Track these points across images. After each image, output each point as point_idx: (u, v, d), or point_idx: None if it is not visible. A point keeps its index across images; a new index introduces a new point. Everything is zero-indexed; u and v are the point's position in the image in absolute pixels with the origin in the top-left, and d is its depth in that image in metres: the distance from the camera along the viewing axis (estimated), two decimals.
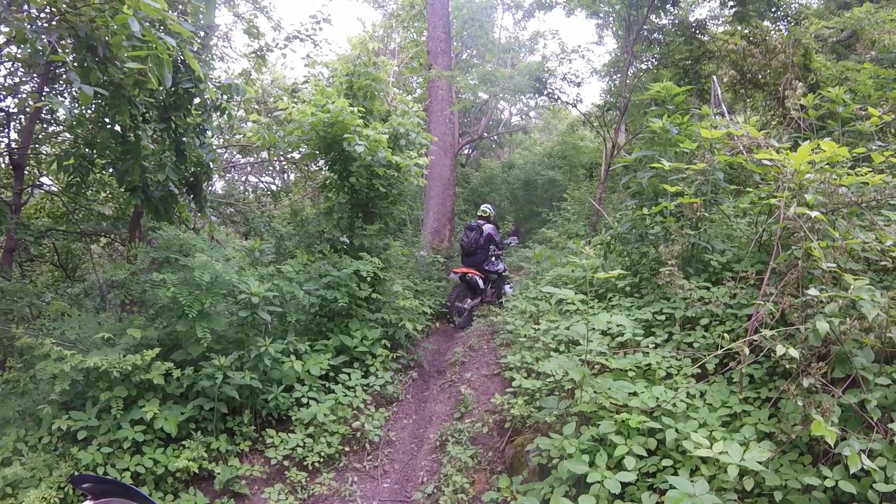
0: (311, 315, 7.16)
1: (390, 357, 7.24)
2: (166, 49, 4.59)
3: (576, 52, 14.92)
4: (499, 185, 20.56)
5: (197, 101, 6.76)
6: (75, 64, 5.30)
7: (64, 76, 7.03)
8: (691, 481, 3.08)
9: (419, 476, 5.54)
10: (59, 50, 4.99)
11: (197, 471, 5.07)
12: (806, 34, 8.69)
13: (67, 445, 4.89)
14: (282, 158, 14.14)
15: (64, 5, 5.00)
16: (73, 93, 5.00)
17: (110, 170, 6.58)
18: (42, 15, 5.80)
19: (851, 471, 2.98)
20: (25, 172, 8.47)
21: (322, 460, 5.58)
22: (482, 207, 10.52)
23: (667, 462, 3.62)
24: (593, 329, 4.51)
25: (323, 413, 5.80)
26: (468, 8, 18.34)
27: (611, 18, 12.97)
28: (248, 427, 5.65)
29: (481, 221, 10.11)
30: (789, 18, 10.49)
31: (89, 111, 6.21)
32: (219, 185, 15.44)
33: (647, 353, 4.61)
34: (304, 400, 5.98)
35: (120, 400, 5.07)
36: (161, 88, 5.24)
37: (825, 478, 3.14)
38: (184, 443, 5.18)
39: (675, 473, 3.50)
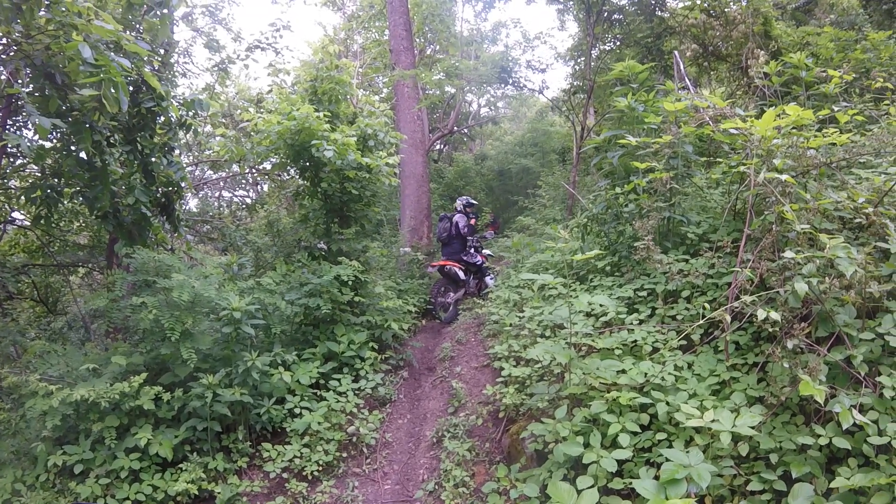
0: (296, 325, 7.11)
1: (379, 359, 7.21)
2: (121, 71, 4.53)
3: (538, 38, 15.02)
4: (473, 177, 20.58)
5: (161, 119, 6.67)
6: (36, 94, 5.22)
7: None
8: (686, 452, 3.10)
9: (419, 474, 5.54)
10: (17, 81, 4.91)
11: (197, 492, 5.02)
12: (764, 3, 8.77)
13: (65, 481, 4.83)
14: (253, 170, 14.03)
15: (17, 34, 4.91)
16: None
17: (80, 198, 6.48)
18: None
19: (844, 427, 3.01)
20: None
21: (321, 469, 5.56)
22: (456, 202, 10.55)
23: (661, 436, 3.65)
24: (577, 311, 4.53)
25: (317, 421, 5.77)
26: (428, 3, 18.30)
27: (571, 2, 13.03)
28: (243, 443, 5.61)
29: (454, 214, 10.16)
30: None
31: (53, 140, 6.11)
32: (192, 203, 15.30)
33: (632, 329, 4.64)
34: (297, 410, 5.95)
35: (112, 430, 5.02)
36: (122, 112, 5.17)
37: (819, 436, 3.17)
38: (181, 466, 5.13)
39: (670, 446, 3.53)
